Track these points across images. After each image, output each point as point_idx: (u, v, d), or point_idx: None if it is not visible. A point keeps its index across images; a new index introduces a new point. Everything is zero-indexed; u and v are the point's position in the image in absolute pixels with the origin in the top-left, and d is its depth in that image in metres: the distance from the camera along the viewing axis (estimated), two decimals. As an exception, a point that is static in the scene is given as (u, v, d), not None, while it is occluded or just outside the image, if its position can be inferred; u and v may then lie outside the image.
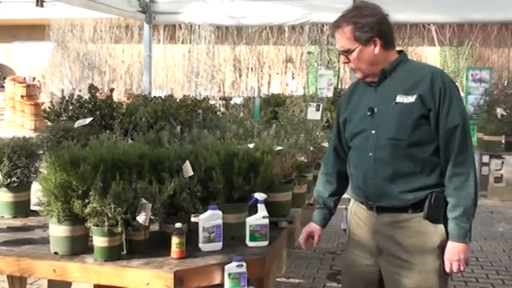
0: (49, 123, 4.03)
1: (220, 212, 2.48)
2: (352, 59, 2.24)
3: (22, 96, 14.64)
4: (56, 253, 2.35)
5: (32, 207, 2.98)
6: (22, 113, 14.63)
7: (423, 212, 2.16)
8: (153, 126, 3.96)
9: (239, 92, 16.10)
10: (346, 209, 2.49)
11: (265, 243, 2.56)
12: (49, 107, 4.26)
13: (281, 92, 9.44)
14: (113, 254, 2.29)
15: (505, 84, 13.37)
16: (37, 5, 6.61)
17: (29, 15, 15.75)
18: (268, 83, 16.59)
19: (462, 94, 9.84)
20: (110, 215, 2.25)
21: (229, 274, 2.23)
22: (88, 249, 2.36)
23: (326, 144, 3.86)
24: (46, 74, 17.35)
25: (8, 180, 2.96)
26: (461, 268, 2.18)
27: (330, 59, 15.89)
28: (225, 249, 2.45)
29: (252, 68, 16.78)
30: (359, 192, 2.32)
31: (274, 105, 5.86)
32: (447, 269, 2.17)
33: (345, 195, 2.54)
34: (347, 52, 2.24)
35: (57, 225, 2.33)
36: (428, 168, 2.17)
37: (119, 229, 2.27)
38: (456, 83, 2.28)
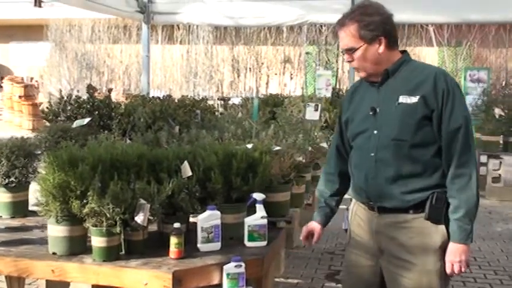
0: (47, 124, 4.02)
1: (218, 212, 2.48)
2: (356, 57, 2.22)
3: (20, 97, 14.63)
4: (54, 253, 2.34)
5: (30, 208, 2.98)
6: (20, 113, 14.62)
7: (424, 213, 2.16)
8: (152, 126, 3.96)
9: (237, 92, 16.10)
10: (347, 209, 2.49)
11: (264, 243, 2.56)
12: (47, 107, 4.26)
13: (279, 93, 9.44)
14: (111, 254, 2.29)
15: (503, 84, 13.38)
16: (35, 5, 6.60)
17: (26, 16, 15.71)
18: (267, 84, 16.60)
19: (460, 94, 9.79)
20: (108, 215, 2.25)
21: (228, 274, 2.23)
22: (86, 249, 2.35)
23: (325, 145, 3.87)
24: (44, 74, 17.34)
25: (6, 180, 2.95)
26: (462, 269, 2.17)
27: (328, 60, 15.91)
28: (224, 250, 2.45)
29: (250, 69, 16.79)
30: (360, 192, 2.32)
31: (272, 105, 5.86)
32: (448, 270, 2.17)
33: (346, 195, 2.54)
34: (351, 51, 2.22)
35: (55, 226, 2.33)
36: (430, 169, 2.17)
37: (117, 229, 2.27)
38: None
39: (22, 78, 16.96)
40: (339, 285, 4.27)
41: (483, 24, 13.89)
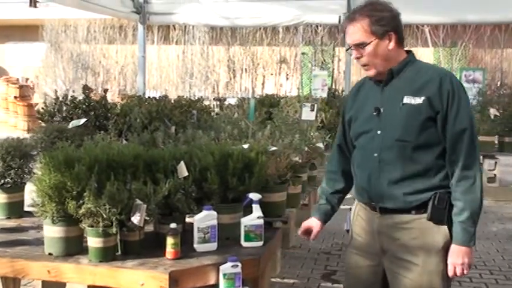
0: (43, 124, 4.02)
1: (215, 213, 2.48)
2: (366, 53, 2.19)
3: (15, 97, 14.57)
4: (50, 254, 2.34)
5: (26, 208, 2.97)
6: (15, 114, 14.56)
7: (427, 213, 2.15)
8: (148, 126, 3.96)
9: (233, 92, 16.09)
10: (350, 209, 2.48)
11: (260, 243, 2.56)
12: (43, 108, 4.25)
13: (275, 93, 9.44)
14: (107, 255, 2.28)
15: (498, 85, 13.42)
16: (30, 5, 6.58)
17: (22, 16, 15.66)
18: (262, 84, 16.58)
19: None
20: (104, 215, 2.25)
21: (224, 274, 2.23)
22: (82, 250, 2.35)
23: (321, 145, 3.88)
24: (39, 74, 17.27)
25: (2, 181, 2.94)
26: (465, 272, 2.17)
27: (324, 60, 15.91)
28: (220, 250, 2.45)
29: (246, 69, 16.78)
30: (362, 192, 2.31)
31: (268, 105, 5.87)
32: (450, 273, 2.16)
33: (349, 195, 2.54)
34: (361, 46, 2.19)
35: (51, 226, 2.33)
36: (433, 170, 2.17)
37: (114, 230, 2.27)
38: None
39: (17, 79, 16.89)
40: (335, 285, 4.28)
41: (478, 25, 13.93)
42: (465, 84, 11.42)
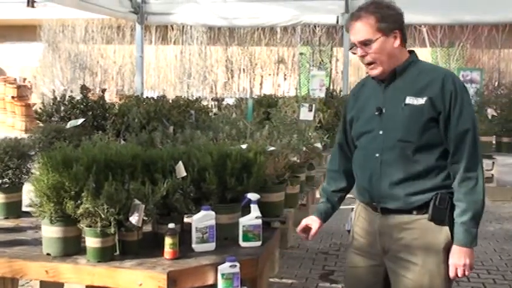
0: (41, 124, 4.01)
1: (213, 213, 2.48)
2: (373, 50, 2.17)
3: (13, 97, 14.56)
4: (48, 254, 2.34)
5: (24, 209, 2.97)
6: (13, 114, 14.54)
7: (428, 214, 2.15)
8: (146, 127, 3.95)
9: (231, 93, 16.08)
10: (352, 210, 2.48)
11: (258, 243, 2.56)
12: (40, 108, 4.24)
13: (273, 93, 9.44)
14: (105, 255, 2.28)
15: (496, 85, 13.46)
16: (28, 5, 6.58)
17: (19, 16, 15.62)
18: (260, 84, 16.59)
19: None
20: (102, 215, 2.25)
21: (223, 274, 2.23)
22: (81, 250, 2.35)
23: (319, 145, 3.88)
24: (37, 74, 17.25)
25: (0, 181, 2.94)
26: (466, 273, 2.16)
27: (322, 60, 15.92)
28: (218, 250, 2.45)
29: (244, 69, 16.78)
30: (364, 193, 2.30)
31: (266, 106, 5.87)
32: (452, 274, 2.15)
33: (349, 195, 2.53)
34: (368, 42, 2.17)
35: (49, 226, 2.33)
36: (435, 170, 2.16)
37: (112, 230, 2.27)
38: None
39: (15, 79, 16.87)
40: (333, 285, 4.28)
41: (476, 25, 13.96)
42: (463, 85, 11.47)
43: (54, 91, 4.55)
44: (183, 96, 5.74)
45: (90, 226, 2.28)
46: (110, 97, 12.61)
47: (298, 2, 7.99)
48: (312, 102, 4.85)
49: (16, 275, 2.36)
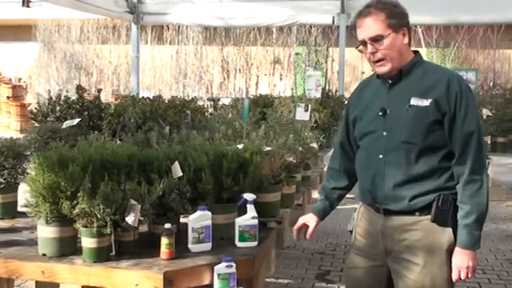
0: (36, 124, 4.00)
1: (209, 213, 2.48)
2: (384, 46, 2.15)
3: (8, 97, 14.50)
4: (44, 254, 2.33)
5: (19, 209, 2.96)
6: (8, 114, 14.49)
7: (430, 215, 2.14)
8: (142, 127, 3.95)
9: (227, 93, 16.09)
10: (354, 210, 2.47)
11: (255, 243, 2.56)
12: (36, 108, 4.23)
13: (269, 93, 9.45)
14: (101, 255, 2.28)
15: (491, 85, 13.50)
16: (23, 5, 6.56)
17: (14, 16, 15.59)
18: (256, 84, 16.60)
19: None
20: (98, 216, 2.24)
21: (219, 275, 2.23)
22: (77, 250, 2.35)
23: (315, 145, 3.89)
24: (32, 74, 17.22)
25: (-5, 181, 2.93)
26: (469, 276, 2.15)
27: (318, 60, 15.95)
28: (215, 250, 2.45)
29: (240, 69, 16.79)
30: (366, 194, 2.29)
31: (262, 106, 5.87)
32: (455, 276, 2.14)
33: (349, 195, 2.51)
34: (379, 38, 2.14)
35: (45, 227, 2.32)
36: (438, 172, 2.15)
37: (108, 230, 2.26)
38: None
39: (10, 79, 16.82)
40: (329, 285, 4.28)
41: (471, 26, 14.00)
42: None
43: (49, 91, 4.54)
44: (178, 96, 5.74)
45: (86, 226, 2.27)
46: (106, 97, 12.59)
47: (294, 2, 8.00)
48: (308, 102, 4.86)
49: (12, 275, 2.35)
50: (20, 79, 17.32)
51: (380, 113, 2.21)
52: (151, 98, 5.28)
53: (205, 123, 4.16)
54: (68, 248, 2.34)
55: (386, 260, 2.26)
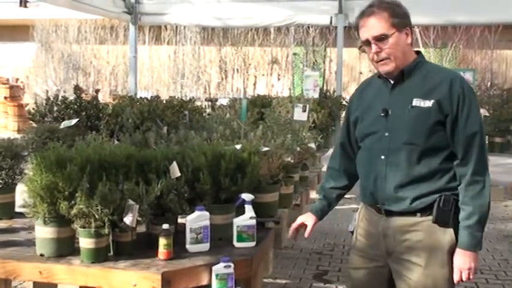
0: (34, 125, 4.00)
1: (207, 213, 2.48)
2: (388, 45, 2.14)
3: (5, 98, 14.48)
4: (41, 255, 2.33)
5: (17, 209, 2.96)
6: (5, 114, 14.46)
7: (432, 216, 2.13)
8: (140, 127, 3.95)
9: (225, 93, 16.08)
10: (353, 210, 2.47)
11: (253, 243, 2.56)
12: (33, 108, 4.23)
13: (267, 93, 9.46)
14: (99, 256, 2.28)
15: (488, 85, 13.54)
16: (20, 5, 6.55)
17: (12, 16, 15.56)
18: (254, 84, 16.59)
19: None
20: (96, 216, 2.24)
21: (217, 275, 2.23)
22: (74, 250, 2.34)
23: (313, 145, 3.89)
24: (30, 75, 17.19)
25: (-7, 181, 2.93)
26: (471, 277, 2.15)
27: (316, 61, 15.95)
28: (213, 250, 2.45)
29: (237, 69, 16.79)
30: (368, 194, 2.28)
31: (260, 106, 5.88)
32: (456, 277, 2.14)
33: (350, 195, 2.50)
34: (384, 37, 2.14)
35: (43, 227, 2.32)
36: (440, 173, 2.15)
37: (106, 230, 2.26)
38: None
39: (7, 79, 16.79)
40: (327, 285, 4.29)
41: (469, 26, 14.02)
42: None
43: (47, 91, 4.53)
44: (176, 97, 5.74)
45: (84, 227, 2.27)
46: (104, 97, 12.57)
47: (292, 2, 8.00)
48: (306, 102, 4.86)
49: (9, 276, 2.34)
50: (17, 79, 17.29)
51: (382, 114, 2.20)
52: (149, 98, 5.27)
53: (203, 124, 4.16)
54: (65, 249, 2.34)
55: (388, 261, 2.26)
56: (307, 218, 2.48)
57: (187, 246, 2.44)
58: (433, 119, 2.11)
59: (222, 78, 16.79)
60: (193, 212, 2.48)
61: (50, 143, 3.17)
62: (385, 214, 2.23)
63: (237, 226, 2.55)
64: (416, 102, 2.14)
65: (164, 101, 5.12)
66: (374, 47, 2.17)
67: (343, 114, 8.02)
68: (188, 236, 2.44)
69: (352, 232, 2.45)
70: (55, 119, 4.07)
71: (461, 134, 2.11)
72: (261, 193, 2.92)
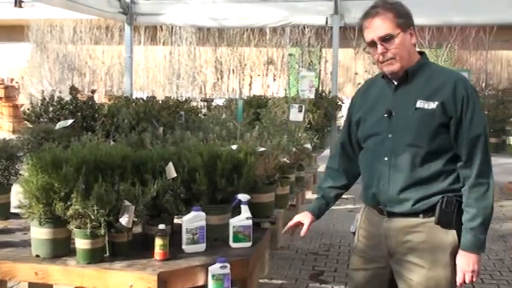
0: (29, 125, 3.99)
1: (203, 214, 2.48)
2: (394, 45, 2.13)
3: (0, 98, 14.43)
4: (37, 256, 2.32)
5: (12, 210, 2.95)
6: (0, 115, 14.42)
7: (434, 217, 2.12)
8: (135, 127, 3.95)
9: (220, 93, 16.08)
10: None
11: (249, 244, 2.56)
12: (29, 109, 4.22)
13: (262, 94, 9.46)
14: (95, 257, 2.27)
15: (483, 86, 13.59)
16: (15, 5, 6.53)
17: (7, 16, 15.52)
18: (250, 85, 16.60)
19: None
20: (92, 217, 2.24)
21: (213, 275, 2.23)
22: (70, 251, 2.34)
23: (309, 146, 3.90)
24: (25, 75, 17.14)
25: (-12, 182, 2.92)
26: (474, 279, 2.14)
27: (311, 61, 15.96)
28: (209, 251, 2.45)
29: (233, 70, 16.79)
30: (371, 196, 2.27)
31: (256, 106, 5.89)
32: (459, 279, 2.13)
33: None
34: (390, 38, 2.13)
35: (38, 228, 2.31)
36: (443, 175, 2.14)
37: (102, 231, 2.26)
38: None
39: (2, 79, 16.73)
40: (323, 285, 4.29)
41: (464, 27, 14.07)
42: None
43: (42, 92, 4.52)
44: (172, 97, 5.74)
45: (79, 227, 2.27)
46: (99, 98, 12.55)
47: (288, 3, 8.01)
48: (302, 103, 4.87)
49: (5, 277, 2.34)
50: (12, 79, 17.23)
51: (385, 115, 2.19)
52: (145, 99, 5.27)
53: (199, 124, 4.16)
54: (61, 249, 2.33)
55: (389, 262, 2.25)
56: (304, 217, 2.46)
57: (184, 246, 2.44)
58: (437, 121, 2.11)
59: (218, 79, 16.79)
60: (189, 212, 2.48)
61: (45, 143, 3.16)
62: (387, 215, 2.22)
63: (233, 226, 2.55)
64: (420, 103, 2.13)
65: (160, 102, 5.12)
66: (380, 48, 2.15)
67: (339, 114, 8.06)
68: (184, 236, 2.44)
69: (353, 233, 2.45)
70: (50, 120, 4.07)
71: (465, 136, 2.11)
72: (257, 193, 2.92)
